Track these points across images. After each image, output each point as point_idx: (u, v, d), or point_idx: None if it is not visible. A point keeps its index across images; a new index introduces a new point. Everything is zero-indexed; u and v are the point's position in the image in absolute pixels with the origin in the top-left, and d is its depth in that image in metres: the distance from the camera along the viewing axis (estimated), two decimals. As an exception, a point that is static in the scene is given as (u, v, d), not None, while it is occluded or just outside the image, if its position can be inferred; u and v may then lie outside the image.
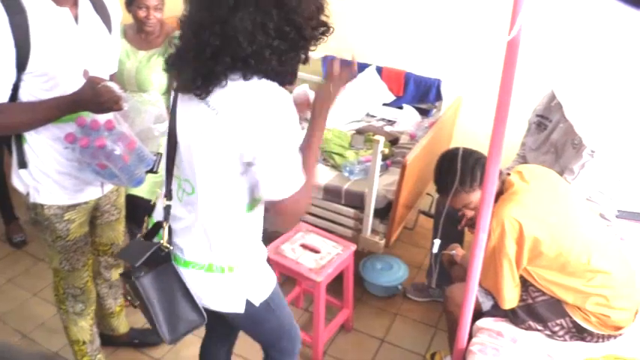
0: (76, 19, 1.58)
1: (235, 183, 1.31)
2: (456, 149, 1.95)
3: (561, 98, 2.28)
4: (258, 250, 1.51)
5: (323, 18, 1.27)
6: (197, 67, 1.20)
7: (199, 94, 1.22)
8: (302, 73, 3.60)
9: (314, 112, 1.42)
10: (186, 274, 1.41)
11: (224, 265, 1.40)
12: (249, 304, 1.46)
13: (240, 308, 1.45)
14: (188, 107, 1.29)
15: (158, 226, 1.43)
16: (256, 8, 1.15)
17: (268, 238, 2.45)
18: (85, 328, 2.04)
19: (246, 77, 1.20)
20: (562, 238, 1.78)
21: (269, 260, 2.30)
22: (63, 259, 1.84)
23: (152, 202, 1.54)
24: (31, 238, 3.11)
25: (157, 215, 1.47)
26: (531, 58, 1.87)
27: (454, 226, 2.23)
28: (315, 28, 1.25)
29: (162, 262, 1.39)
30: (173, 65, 1.30)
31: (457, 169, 1.85)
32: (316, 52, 3.47)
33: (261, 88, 1.22)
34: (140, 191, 2.32)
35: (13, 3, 1.44)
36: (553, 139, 2.41)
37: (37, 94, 1.55)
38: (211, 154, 1.27)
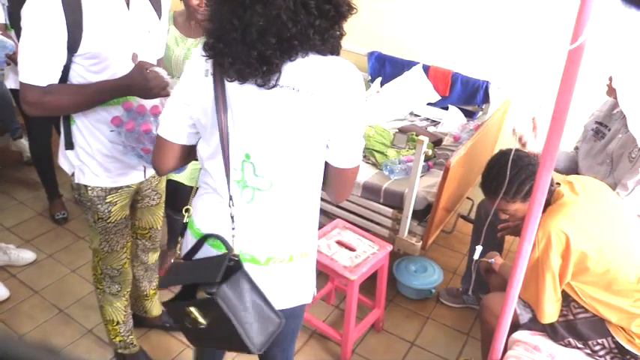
0: (128, 4, 1.60)
1: (317, 163, 1.28)
2: (510, 152, 1.85)
3: (625, 109, 2.17)
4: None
5: None
6: (257, 51, 1.13)
7: (268, 80, 1.15)
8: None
9: None
10: (265, 273, 1.33)
11: (302, 252, 1.37)
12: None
13: (310, 296, 1.44)
14: (258, 97, 1.18)
15: (201, 242, 1.34)
16: None
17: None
18: (120, 308, 2.07)
19: (292, 57, 1.15)
20: (611, 255, 1.71)
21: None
22: (103, 240, 1.87)
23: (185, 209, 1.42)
24: (72, 216, 3.18)
25: (204, 226, 1.36)
26: (591, 62, 1.78)
27: (494, 233, 2.17)
28: (348, 4, 1.19)
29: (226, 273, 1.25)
30: (218, 52, 1.17)
31: (507, 175, 1.76)
32: (362, 48, 3.47)
33: (341, 63, 1.19)
34: (180, 177, 2.34)
35: None
36: (610, 149, 2.30)
37: (86, 77, 1.57)
38: (303, 138, 1.21)
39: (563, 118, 1.15)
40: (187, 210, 1.40)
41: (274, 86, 1.15)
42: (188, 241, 1.39)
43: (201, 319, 1.23)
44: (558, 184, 1.89)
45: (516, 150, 1.81)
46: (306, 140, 1.21)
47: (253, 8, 1.10)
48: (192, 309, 1.23)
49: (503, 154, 1.90)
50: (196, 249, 1.35)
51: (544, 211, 1.69)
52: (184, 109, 1.26)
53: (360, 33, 3.53)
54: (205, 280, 1.21)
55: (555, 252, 1.70)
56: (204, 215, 1.36)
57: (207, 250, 1.34)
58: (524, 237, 1.46)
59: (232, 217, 1.28)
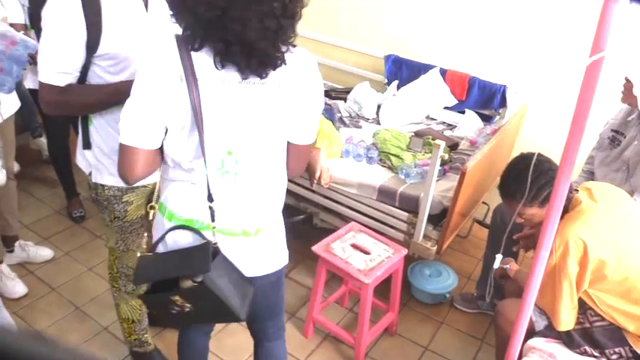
0: (146, 5, 1.61)
1: (285, 142, 1.42)
2: (531, 156, 1.83)
3: None
4: None
5: None
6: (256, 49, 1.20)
7: (260, 74, 1.26)
8: (364, 71, 3.59)
9: None
10: (256, 243, 1.46)
11: (278, 220, 1.53)
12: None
13: (287, 257, 1.59)
14: (236, 94, 1.26)
15: (161, 239, 1.42)
16: None
17: (318, 236, 2.45)
18: (135, 307, 2.09)
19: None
20: (629, 262, 1.68)
21: (318, 257, 2.30)
22: (119, 239, 1.89)
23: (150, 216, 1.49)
24: (89, 215, 3.22)
25: (181, 211, 1.40)
26: (609, 71, 1.76)
27: (511, 239, 2.15)
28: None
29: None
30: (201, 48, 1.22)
31: (527, 178, 1.74)
32: (379, 51, 3.47)
33: (300, 54, 1.33)
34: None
35: None
36: (625, 156, 2.28)
37: (104, 77, 1.59)
38: (276, 126, 1.35)
39: (582, 125, 1.13)
40: (152, 207, 1.48)
41: (247, 80, 1.26)
42: (160, 227, 1.44)
43: (187, 305, 1.35)
44: (576, 190, 1.87)
45: (538, 154, 1.79)
46: (279, 127, 1.36)
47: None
48: (178, 297, 1.34)
49: (524, 158, 1.87)
50: (156, 246, 1.44)
51: (562, 217, 1.68)
52: (157, 114, 1.26)
53: (377, 36, 3.54)
54: (197, 273, 1.31)
55: (573, 259, 1.68)
56: (181, 202, 1.40)
57: (183, 235, 1.41)
58: (541, 243, 1.45)
59: (213, 213, 1.37)
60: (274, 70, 1.26)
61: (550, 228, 1.42)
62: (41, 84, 1.53)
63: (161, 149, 1.34)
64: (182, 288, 1.34)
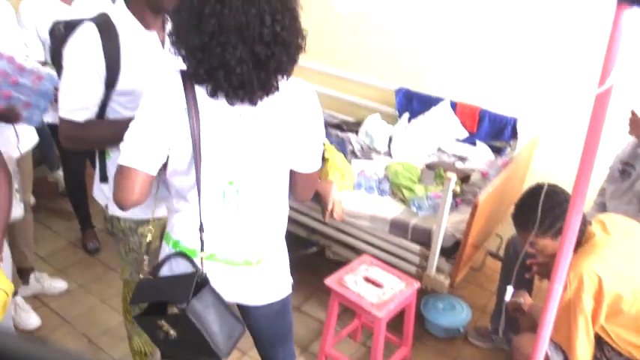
0: (163, 43, 1.66)
1: (287, 171, 1.45)
2: (542, 186, 1.83)
3: None
4: None
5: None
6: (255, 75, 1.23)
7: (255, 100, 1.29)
8: (375, 103, 3.63)
9: None
10: (257, 273, 1.47)
11: (280, 246, 1.54)
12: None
13: (290, 286, 1.59)
14: (236, 127, 1.31)
15: (161, 264, 1.46)
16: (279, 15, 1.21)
17: (330, 268, 2.45)
18: (148, 340, 2.08)
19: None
20: (646, 297, 1.66)
21: (331, 290, 2.30)
22: (133, 271, 1.90)
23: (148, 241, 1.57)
24: (104, 247, 3.25)
25: (184, 239, 1.45)
26: (618, 103, 1.77)
27: (524, 271, 2.13)
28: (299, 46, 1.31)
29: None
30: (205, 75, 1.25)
31: (538, 208, 1.74)
32: (390, 84, 3.51)
33: (297, 86, 1.37)
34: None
35: (108, 27, 1.55)
36: (637, 188, 2.27)
37: (122, 112, 1.63)
38: (277, 157, 1.38)
39: (592, 156, 1.14)
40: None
41: (244, 115, 1.30)
42: (164, 255, 1.49)
43: (172, 331, 1.38)
44: (590, 223, 1.86)
45: (553, 185, 1.80)
46: (279, 157, 1.39)
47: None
48: (164, 322, 1.38)
49: (540, 187, 1.86)
50: (157, 270, 1.47)
51: (575, 251, 1.67)
52: (158, 138, 1.29)
53: (388, 69, 3.59)
54: (177, 300, 1.36)
55: (588, 294, 1.66)
56: (184, 231, 1.44)
57: (180, 263, 1.44)
58: (554, 278, 1.43)
59: (202, 243, 1.40)
60: (267, 97, 1.29)
61: (563, 261, 1.41)
62: (61, 119, 1.58)
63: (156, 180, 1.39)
64: (168, 313, 1.40)
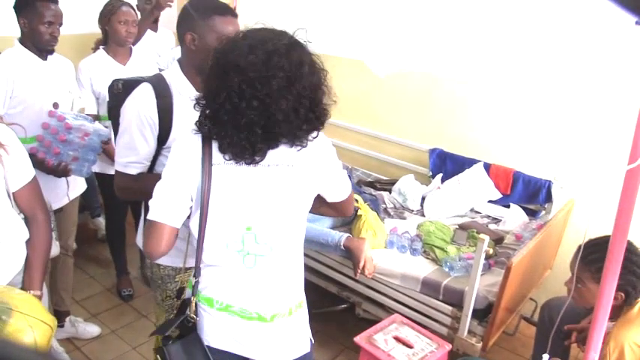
0: None
1: (304, 219, 1.48)
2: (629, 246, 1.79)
3: None
4: None
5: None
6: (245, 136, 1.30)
7: (254, 160, 1.34)
8: (409, 163, 3.69)
9: None
10: (271, 330, 1.45)
11: (298, 302, 1.52)
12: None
13: (309, 344, 1.56)
14: (251, 175, 1.37)
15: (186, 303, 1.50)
16: (296, 95, 1.29)
17: (360, 326, 2.43)
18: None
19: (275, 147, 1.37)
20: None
21: (360, 348, 2.28)
22: (169, 317, 1.94)
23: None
24: (137, 294, 3.31)
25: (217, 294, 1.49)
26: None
27: (560, 338, 2.08)
28: (326, 114, 1.39)
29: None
30: (210, 131, 1.36)
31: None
32: (424, 145, 3.57)
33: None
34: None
35: (163, 87, 1.67)
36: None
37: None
38: (294, 203, 1.42)
39: (625, 229, 1.16)
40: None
41: (259, 164, 1.35)
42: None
43: None
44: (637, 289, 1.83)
45: (630, 241, 1.80)
46: (297, 204, 1.43)
47: (250, 102, 1.27)
48: (158, 356, 1.45)
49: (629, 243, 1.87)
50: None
51: (617, 317, 1.64)
52: (184, 195, 1.39)
53: (422, 130, 3.66)
54: (159, 333, 1.45)
55: (627, 365, 1.62)
56: (216, 285, 1.47)
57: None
58: (589, 346, 1.42)
59: (195, 287, 1.45)
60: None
61: (598, 329, 1.40)
62: (117, 172, 1.70)
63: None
64: (158, 347, 1.46)
